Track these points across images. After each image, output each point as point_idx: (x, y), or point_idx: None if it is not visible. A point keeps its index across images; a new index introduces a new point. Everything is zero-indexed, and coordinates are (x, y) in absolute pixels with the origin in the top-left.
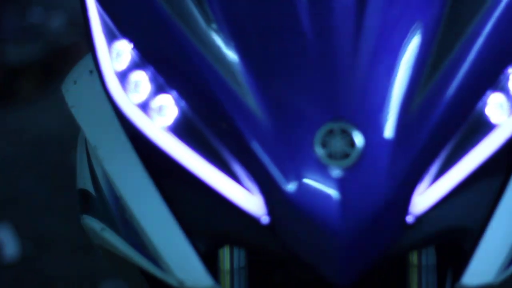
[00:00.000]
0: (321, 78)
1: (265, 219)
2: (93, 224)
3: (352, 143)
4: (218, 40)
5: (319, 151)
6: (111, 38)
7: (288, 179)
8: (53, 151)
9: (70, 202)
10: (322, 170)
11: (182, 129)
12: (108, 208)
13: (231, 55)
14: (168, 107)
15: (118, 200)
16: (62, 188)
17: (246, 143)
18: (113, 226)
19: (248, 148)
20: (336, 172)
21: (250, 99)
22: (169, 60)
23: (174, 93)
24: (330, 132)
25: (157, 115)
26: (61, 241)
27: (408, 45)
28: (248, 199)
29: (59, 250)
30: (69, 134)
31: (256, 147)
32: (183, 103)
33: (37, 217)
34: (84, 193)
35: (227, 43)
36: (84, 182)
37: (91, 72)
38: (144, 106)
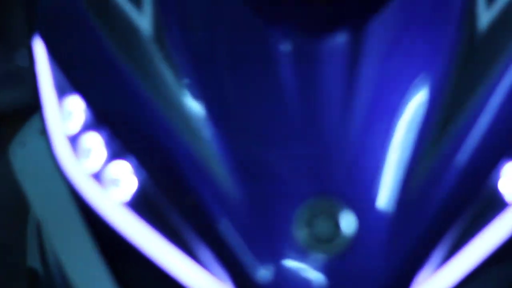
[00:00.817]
0: (304, 145)
1: None
2: None
3: (340, 224)
4: (186, 100)
5: (301, 232)
6: (62, 93)
7: (262, 266)
8: None
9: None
10: (303, 256)
11: (141, 205)
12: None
13: (200, 117)
14: (125, 177)
15: (66, 282)
16: None
17: (213, 221)
18: None
19: (215, 228)
20: (320, 259)
21: (220, 170)
22: (127, 121)
23: (133, 160)
24: (315, 210)
25: (112, 187)
26: None
27: (409, 105)
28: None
29: None
30: None
31: (225, 226)
32: (143, 173)
33: None
34: (32, 271)
35: (195, 103)
36: (33, 259)
37: (41, 132)
38: (97, 176)
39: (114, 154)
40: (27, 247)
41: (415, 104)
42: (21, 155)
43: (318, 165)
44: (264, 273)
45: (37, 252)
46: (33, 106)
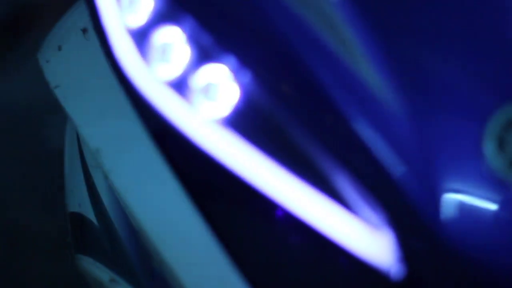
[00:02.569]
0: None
1: (397, 271)
2: (96, 271)
3: None
4: None
5: (494, 156)
6: None
7: (437, 204)
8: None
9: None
10: (496, 187)
11: (248, 124)
12: (121, 248)
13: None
14: (222, 86)
15: (138, 237)
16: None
17: (361, 143)
18: (130, 277)
19: (365, 152)
20: None
21: (371, 73)
22: (224, 5)
23: (234, 61)
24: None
25: (203, 100)
26: None
27: None
28: (366, 238)
29: None
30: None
31: (382, 149)
32: (249, 80)
33: None
34: (79, 220)
35: None
36: (79, 203)
37: (84, 31)
38: (179, 85)
39: (204, 55)
40: (65, 186)
41: None
42: (57, 62)
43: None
44: (441, 214)
45: (87, 194)
46: (11, 16)
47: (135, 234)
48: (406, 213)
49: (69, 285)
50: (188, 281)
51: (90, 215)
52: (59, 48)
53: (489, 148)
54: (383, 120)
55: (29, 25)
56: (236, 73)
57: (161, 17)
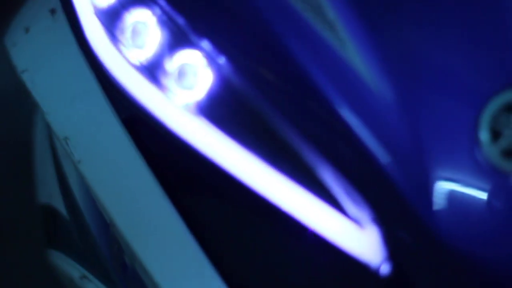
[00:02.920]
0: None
1: (385, 268)
2: (67, 267)
3: None
4: None
5: (488, 144)
6: None
7: (427, 195)
8: None
9: None
10: (491, 178)
11: (223, 110)
12: (92, 243)
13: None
14: (195, 70)
15: (109, 230)
16: None
17: (345, 131)
18: (101, 273)
19: (349, 141)
20: None
21: (356, 57)
22: None
23: (207, 45)
24: (509, 109)
25: (176, 85)
26: None
27: None
28: (351, 234)
29: None
30: None
31: (367, 137)
32: (223, 63)
33: None
34: (50, 212)
35: None
36: (50, 194)
37: (52, 11)
38: (152, 70)
39: (176, 37)
40: (36, 176)
41: None
42: (25, 45)
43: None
44: (431, 205)
45: (57, 184)
46: None
47: (106, 227)
48: (394, 206)
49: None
50: (161, 277)
51: (61, 207)
52: (27, 31)
53: (483, 136)
54: (368, 106)
55: None
56: (209, 58)
57: None
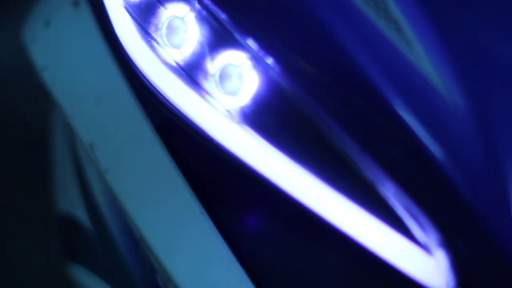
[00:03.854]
0: None
1: None
2: (89, 283)
3: None
4: None
5: None
6: None
7: (505, 216)
8: None
9: None
10: None
11: (269, 118)
12: (118, 258)
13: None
14: (239, 71)
15: (139, 246)
16: None
17: (413, 143)
18: None
19: (415, 154)
20: None
21: (423, 60)
22: None
23: (252, 43)
24: None
25: (217, 88)
26: None
27: None
28: (417, 259)
29: None
30: None
31: (437, 150)
32: (271, 64)
33: None
34: (70, 221)
35: None
36: (70, 202)
37: (75, 3)
38: (190, 71)
39: (218, 37)
40: (54, 184)
41: None
42: (45, 40)
43: None
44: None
45: (79, 194)
46: None
47: (136, 243)
48: (465, 228)
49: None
50: None
51: (83, 216)
52: (47, 24)
53: None
54: (437, 115)
55: None
56: (256, 58)
57: None
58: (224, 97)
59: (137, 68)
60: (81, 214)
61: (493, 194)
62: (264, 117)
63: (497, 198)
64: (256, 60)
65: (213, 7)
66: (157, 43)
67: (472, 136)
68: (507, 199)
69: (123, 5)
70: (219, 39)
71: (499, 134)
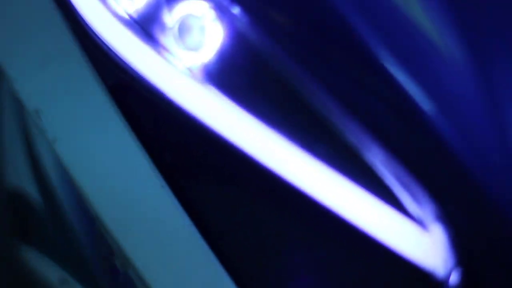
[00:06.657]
0: None
1: (453, 277)
2: (42, 268)
3: None
4: None
5: None
6: None
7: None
8: None
9: None
10: None
11: (235, 75)
12: (73, 239)
13: None
14: (200, 23)
15: (95, 225)
16: None
17: (404, 100)
18: (85, 276)
19: (410, 113)
20: None
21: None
22: None
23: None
24: None
25: (175, 44)
26: None
27: None
28: (411, 235)
29: None
30: None
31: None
32: (237, 14)
33: None
34: (19, 198)
35: None
36: (20, 176)
37: None
38: (143, 24)
39: None
40: (2, 159)
41: None
42: None
43: None
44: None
45: (28, 167)
46: None
47: (92, 222)
48: (465, 200)
49: None
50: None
51: (33, 191)
52: None
53: None
54: (429, 66)
55: None
56: (219, 8)
57: None
58: (184, 53)
59: (86, 23)
60: (31, 189)
61: (496, 158)
62: (230, 75)
63: (500, 161)
64: (220, 9)
65: None
66: None
67: (471, 91)
68: None
69: None
70: None
71: (501, 89)
